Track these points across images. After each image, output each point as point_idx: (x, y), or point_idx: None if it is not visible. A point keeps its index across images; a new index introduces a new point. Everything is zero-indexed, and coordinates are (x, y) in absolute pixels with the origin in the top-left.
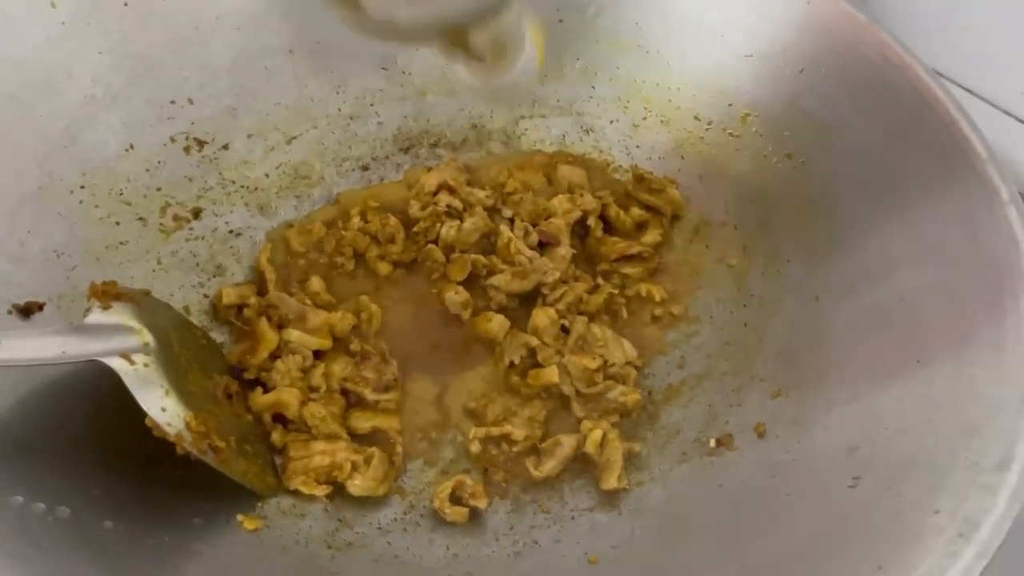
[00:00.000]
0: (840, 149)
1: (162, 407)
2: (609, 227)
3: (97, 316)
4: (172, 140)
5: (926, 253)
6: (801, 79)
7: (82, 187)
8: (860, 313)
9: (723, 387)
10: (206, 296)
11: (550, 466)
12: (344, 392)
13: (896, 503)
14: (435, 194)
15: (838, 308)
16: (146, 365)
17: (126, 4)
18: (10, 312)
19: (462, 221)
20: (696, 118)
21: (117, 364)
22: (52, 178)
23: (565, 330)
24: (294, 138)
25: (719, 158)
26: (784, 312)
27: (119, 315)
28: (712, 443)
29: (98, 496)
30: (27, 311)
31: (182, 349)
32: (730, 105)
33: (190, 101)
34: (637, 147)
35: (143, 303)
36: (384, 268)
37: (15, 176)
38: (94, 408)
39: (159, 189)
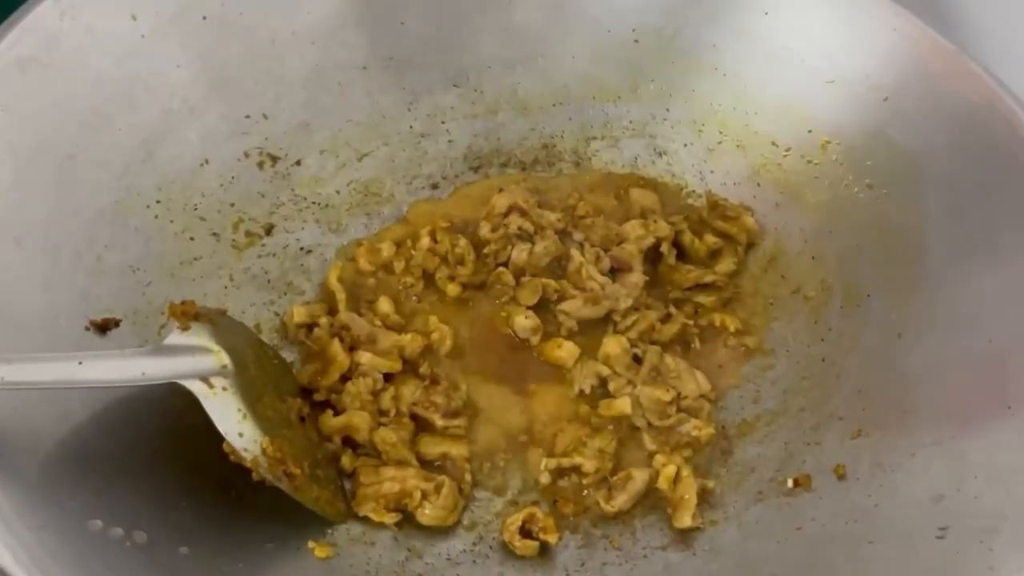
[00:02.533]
0: (926, 182)
1: (239, 432)
2: (682, 253)
3: (176, 337)
4: (246, 155)
5: (1018, 296)
6: (885, 107)
7: (158, 201)
8: (945, 354)
9: (800, 424)
10: (277, 314)
11: (621, 500)
12: (413, 416)
13: (988, 558)
14: (506, 215)
15: (922, 347)
16: (224, 389)
17: (205, 18)
18: (87, 328)
19: (533, 244)
20: (773, 144)
21: (196, 388)
22: (129, 192)
23: (637, 359)
24: (365, 155)
25: (797, 186)
26: (864, 348)
27: (197, 336)
28: (789, 483)
29: (174, 521)
30: (104, 327)
31: (257, 370)
32: (809, 131)
33: (265, 116)
34: (711, 172)
35: (220, 323)
36: (453, 289)
37: (93, 190)
38: (166, 426)
39: (232, 204)
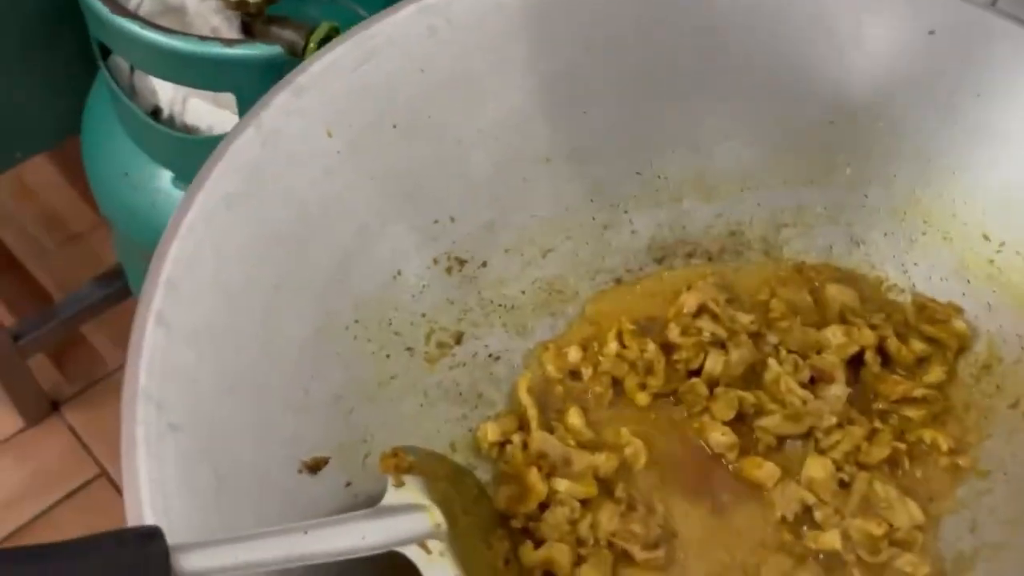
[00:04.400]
0: None
1: None
2: (886, 359)
3: (392, 496)
4: (435, 262)
5: None
6: None
7: (356, 321)
8: None
9: None
10: (469, 430)
11: None
12: (610, 544)
13: None
14: (695, 316)
15: None
16: (442, 554)
17: (395, 126)
18: (300, 471)
19: (727, 352)
20: (985, 237)
21: (415, 555)
22: (329, 316)
23: (843, 484)
24: (549, 251)
25: (1012, 285)
26: None
27: (412, 493)
28: None
29: None
30: (316, 467)
31: (465, 516)
32: None
33: (452, 219)
34: (915, 264)
35: (427, 468)
36: (643, 399)
37: (298, 321)
38: (375, 572)
39: (423, 315)
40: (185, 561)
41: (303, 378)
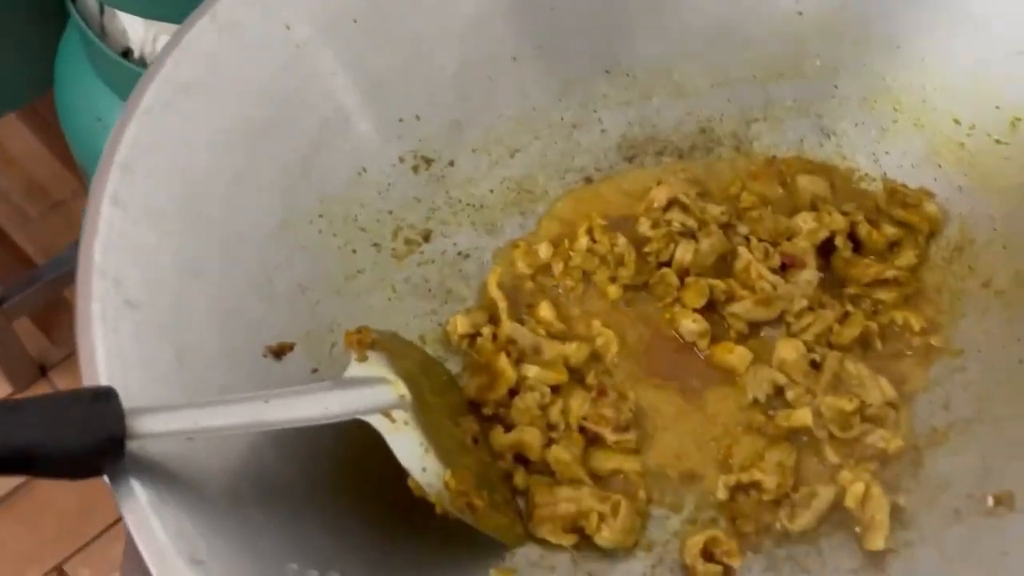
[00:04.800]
0: None
1: (423, 467)
2: (858, 246)
3: (355, 369)
4: (401, 160)
5: None
6: None
7: (320, 216)
8: None
9: (999, 434)
10: (439, 324)
11: (805, 520)
12: (582, 429)
13: None
14: (666, 210)
15: None
16: (406, 423)
17: (356, 21)
18: (265, 355)
19: (697, 241)
20: (955, 121)
21: (378, 423)
22: (293, 210)
23: (815, 365)
24: (517, 151)
25: (983, 168)
26: None
27: (376, 367)
28: (990, 501)
29: (364, 557)
30: (280, 352)
31: (432, 395)
32: (997, 108)
33: (417, 118)
34: (886, 153)
35: (394, 348)
36: (614, 292)
37: (262, 212)
38: (343, 451)
39: (390, 212)
40: (141, 423)
41: (267, 268)
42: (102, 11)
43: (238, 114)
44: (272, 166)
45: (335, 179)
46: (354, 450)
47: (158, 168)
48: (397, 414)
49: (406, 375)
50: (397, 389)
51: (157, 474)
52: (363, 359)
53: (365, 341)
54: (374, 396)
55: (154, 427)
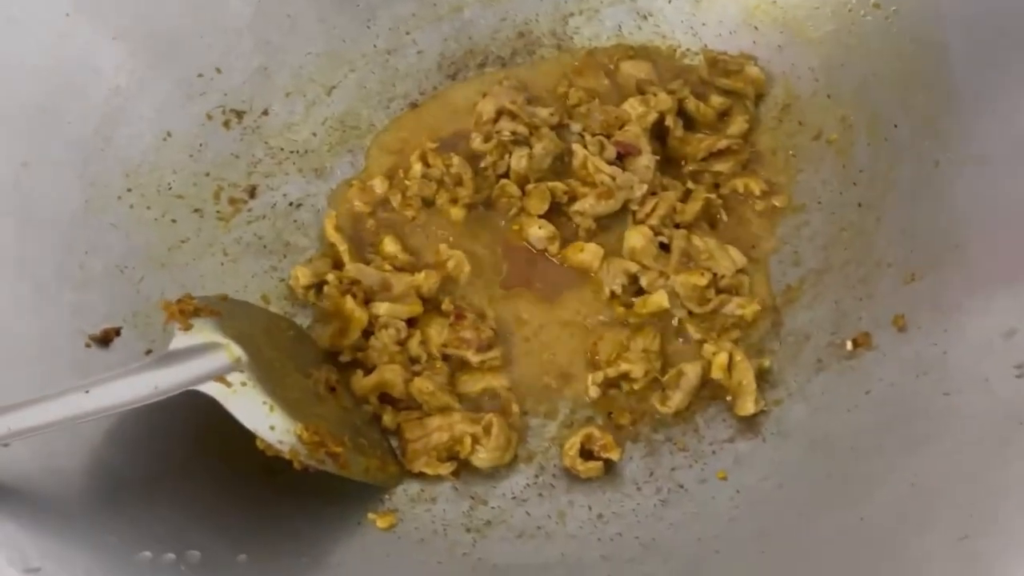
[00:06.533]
0: None
1: (270, 425)
2: (689, 122)
3: (181, 340)
4: (209, 117)
5: None
6: None
7: (128, 190)
8: (994, 185)
9: (847, 279)
10: (282, 280)
11: (677, 399)
12: (445, 357)
13: None
14: (495, 121)
15: (965, 176)
16: (244, 384)
17: None
18: (88, 345)
19: (531, 147)
20: None
21: (214, 390)
22: (96, 187)
23: (664, 247)
24: (334, 87)
25: (798, 21)
26: (900, 183)
27: (203, 333)
28: (848, 345)
29: (225, 529)
30: (105, 339)
31: (273, 351)
32: None
33: (218, 70)
34: (703, 25)
35: (224, 311)
36: (457, 213)
37: (61, 194)
38: (192, 429)
39: (207, 174)
40: None
41: (78, 252)
42: None
43: (11, 94)
44: (64, 145)
45: (138, 148)
46: (201, 425)
47: None
48: (233, 377)
49: (239, 336)
50: (231, 352)
51: None
52: (188, 328)
53: (188, 310)
54: (204, 364)
55: None
